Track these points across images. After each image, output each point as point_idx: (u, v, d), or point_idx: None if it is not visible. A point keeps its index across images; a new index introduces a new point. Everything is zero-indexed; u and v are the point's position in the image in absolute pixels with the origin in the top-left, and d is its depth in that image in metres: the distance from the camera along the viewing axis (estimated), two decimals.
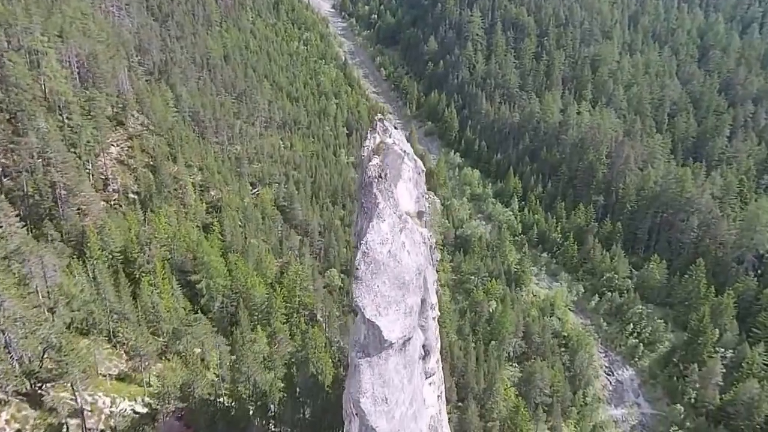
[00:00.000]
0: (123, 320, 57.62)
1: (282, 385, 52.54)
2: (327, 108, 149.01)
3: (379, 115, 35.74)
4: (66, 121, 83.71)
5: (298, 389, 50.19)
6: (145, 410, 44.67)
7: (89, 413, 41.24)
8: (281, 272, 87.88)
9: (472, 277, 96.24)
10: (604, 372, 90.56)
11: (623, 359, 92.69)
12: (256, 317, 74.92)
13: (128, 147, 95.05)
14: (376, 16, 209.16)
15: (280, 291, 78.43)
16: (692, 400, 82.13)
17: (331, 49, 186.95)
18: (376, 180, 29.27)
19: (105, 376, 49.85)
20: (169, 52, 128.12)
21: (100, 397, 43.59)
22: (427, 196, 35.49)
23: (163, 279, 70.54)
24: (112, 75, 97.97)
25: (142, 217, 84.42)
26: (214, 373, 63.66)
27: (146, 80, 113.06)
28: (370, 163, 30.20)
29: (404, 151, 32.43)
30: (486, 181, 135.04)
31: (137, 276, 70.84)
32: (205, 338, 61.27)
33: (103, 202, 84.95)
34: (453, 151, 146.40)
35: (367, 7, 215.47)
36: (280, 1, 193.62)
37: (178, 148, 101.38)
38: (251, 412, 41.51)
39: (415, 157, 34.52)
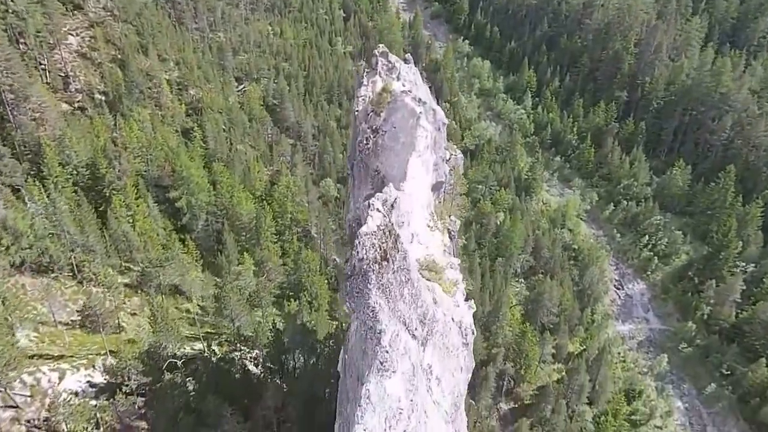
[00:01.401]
0: (88, 253, 50.62)
1: (270, 331, 46.42)
2: None
3: (380, 46, 24.88)
4: (8, 3, 70.67)
5: (286, 341, 44.41)
6: (103, 380, 38.94)
7: (29, 399, 35.29)
8: (271, 183, 79.77)
9: (480, 186, 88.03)
10: (614, 286, 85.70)
11: (635, 272, 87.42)
12: (243, 237, 68.18)
13: (90, 37, 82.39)
14: None
15: (270, 208, 70.91)
16: (705, 317, 77.80)
17: None
18: (375, 268, 15.73)
19: (66, 324, 43.82)
20: None
21: (44, 374, 37.43)
22: (447, 156, 26.03)
23: (136, 199, 62.54)
24: None
25: (112, 123, 74.64)
26: (198, 305, 58.29)
27: None
28: (364, 238, 16.14)
29: (419, 102, 22.22)
30: (497, 74, 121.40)
31: (108, 195, 62.91)
32: (181, 277, 53.97)
33: (65, 105, 74.75)
34: (462, 37, 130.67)
35: None
36: None
37: (150, 38, 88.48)
38: (227, 408, 35.30)
39: (434, 106, 24.42)
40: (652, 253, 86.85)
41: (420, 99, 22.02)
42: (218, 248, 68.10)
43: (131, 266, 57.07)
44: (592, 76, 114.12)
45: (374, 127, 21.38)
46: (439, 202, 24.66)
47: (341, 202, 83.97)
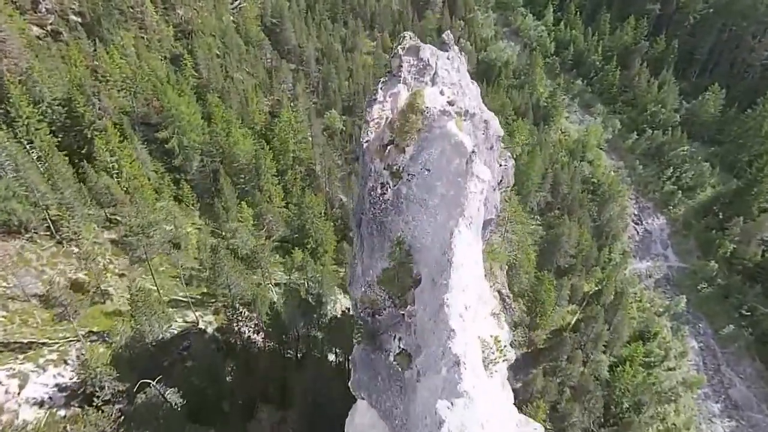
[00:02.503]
0: (65, 210, 42.46)
1: (267, 314, 39.02)
2: None
3: (406, 37, 14.46)
4: None
5: (286, 322, 37.14)
6: (74, 379, 31.64)
7: None
8: (271, 115, 69.45)
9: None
10: (633, 221, 77.26)
11: (655, 206, 78.49)
12: (242, 180, 59.40)
13: None
14: None
15: (270, 146, 61.41)
16: (728, 255, 69.98)
17: None
18: None
19: (41, 297, 36.27)
20: None
21: (1, 383, 29.77)
22: (498, 177, 16.79)
23: (121, 141, 53.14)
24: None
25: (91, 50, 63.29)
26: (194, 257, 50.90)
27: None
28: None
29: (466, 115, 12.49)
30: None
31: (89, 136, 53.57)
32: (170, 243, 45.71)
33: (35, 29, 63.06)
34: None
35: None
36: None
37: None
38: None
39: (487, 115, 14.72)
40: (675, 187, 77.48)
41: (467, 111, 12.40)
42: (216, 189, 59.76)
43: (119, 218, 49.06)
44: None
45: (395, 167, 12.02)
46: (486, 246, 15.82)
47: (347, 135, 73.92)
